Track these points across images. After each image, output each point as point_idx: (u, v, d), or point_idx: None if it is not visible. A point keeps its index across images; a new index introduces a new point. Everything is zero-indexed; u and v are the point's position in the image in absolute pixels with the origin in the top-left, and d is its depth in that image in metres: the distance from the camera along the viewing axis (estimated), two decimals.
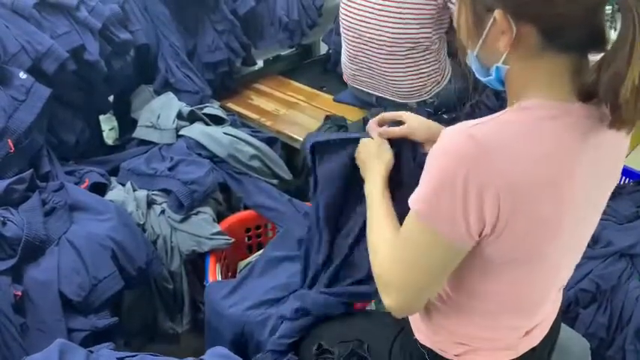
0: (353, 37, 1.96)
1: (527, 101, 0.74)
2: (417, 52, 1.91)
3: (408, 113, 1.15)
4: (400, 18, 1.83)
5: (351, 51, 2.01)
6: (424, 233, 0.77)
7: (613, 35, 0.71)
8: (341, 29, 2.03)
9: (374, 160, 1.09)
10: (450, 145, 0.72)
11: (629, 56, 0.66)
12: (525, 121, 0.73)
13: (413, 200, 0.78)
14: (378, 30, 1.87)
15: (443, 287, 0.90)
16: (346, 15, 1.96)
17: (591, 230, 0.88)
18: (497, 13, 0.72)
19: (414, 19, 1.83)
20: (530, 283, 0.84)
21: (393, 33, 1.86)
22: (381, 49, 1.90)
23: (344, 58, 2.10)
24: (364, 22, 1.90)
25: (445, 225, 0.74)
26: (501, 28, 0.73)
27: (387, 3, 1.82)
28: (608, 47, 0.71)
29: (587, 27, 0.71)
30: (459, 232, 0.74)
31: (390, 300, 0.84)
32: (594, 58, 0.74)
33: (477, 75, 0.84)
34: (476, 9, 0.77)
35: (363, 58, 1.98)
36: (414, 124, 1.12)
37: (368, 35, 1.90)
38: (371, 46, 1.92)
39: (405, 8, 1.81)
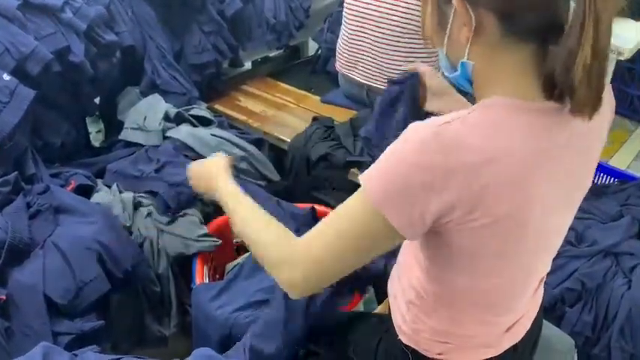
0: (354, 16, 2.00)
1: (492, 99, 0.74)
2: (418, 39, 1.93)
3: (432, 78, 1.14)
4: (406, 3, 1.87)
5: (352, 35, 2.04)
6: (369, 215, 0.75)
7: None
8: (344, 13, 2.06)
9: (212, 169, 1.07)
10: (415, 137, 0.71)
11: (579, 34, 0.66)
12: (489, 121, 0.72)
13: (366, 178, 0.75)
14: (382, 13, 1.92)
15: (421, 284, 0.90)
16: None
17: (565, 227, 0.88)
18: (456, 2, 0.73)
19: (418, 3, 1.85)
20: (505, 278, 0.84)
21: (396, 16, 1.90)
22: (381, 29, 1.94)
23: (340, 44, 2.11)
24: (369, 5, 1.95)
25: (398, 217, 0.73)
26: (462, 20, 0.74)
27: None
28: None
29: (545, 12, 0.70)
30: (409, 225, 0.73)
31: (287, 274, 0.82)
32: None
33: (445, 72, 0.84)
34: (437, 3, 0.78)
35: (363, 42, 2.01)
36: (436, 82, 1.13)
37: (371, 18, 1.95)
38: (371, 26, 1.96)
39: None
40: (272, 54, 2.66)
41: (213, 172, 1.07)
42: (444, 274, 0.85)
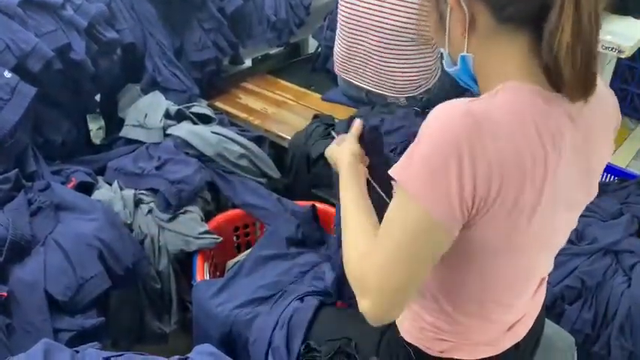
0: (351, 24, 1.98)
1: (509, 82, 0.74)
2: (416, 45, 1.92)
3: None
4: (406, 8, 1.85)
5: (347, 41, 2.02)
6: (413, 214, 0.71)
7: None
8: (339, 18, 2.04)
9: (346, 154, 1.03)
10: (446, 118, 0.69)
11: (559, 14, 0.67)
12: (513, 103, 0.72)
13: (400, 172, 0.72)
14: (381, 19, 1.90)
15: (425, 284, 0.90)
16: (346, 2, 1.97)
17: (569, 227, 0.89)
18: None
19: (419, 10, 1.84)
20: (507, 276, 0.84)
21: (396, 22, 1.88)
22: (380, 38, 1.92)
23: (337, 49, 2.11)
24: (367, 10, 1.92)
25: (439, 204, 0.70)
26: (458, 15, 0.75)
27: None
28: None
29: (534, 1, 0.70)
30: (452, 213, 0.71)
31: (365, 302, 0.77)
32: None
33: (446, 67, 0.85)
34: (436, 3, 0.79)
35: (359, 49, 1.99)
36: None
37: (369, 23, 1.93)
38: (370, 35, 1.94)
39: None
40: (272, 51, 2.66)
41: (340, 158, 1.04)
42: (446, 273, 0.85)
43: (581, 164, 0.80)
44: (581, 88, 0.71)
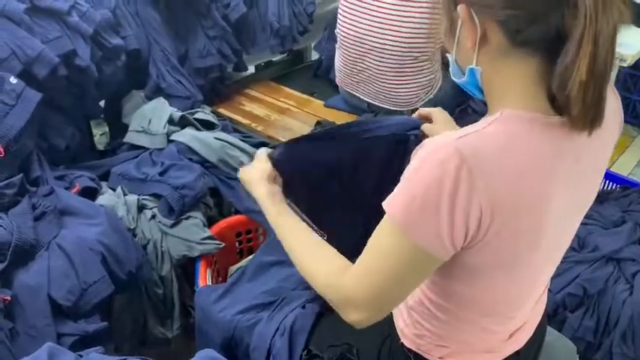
0: (352, 44, 1.96)
1: (505, 111, 0.74)
2: (419, 62, 1.92)
3: (439, 112, 1.14)
4: (409, 28, 1.84)
5: (348, 59, 2.01)
6: (401, 245, 0.74)
7: None
8: (338, 37, 2.03)
9: (260, 182, 1.04)
10: (436, 158, 0.70)
11: (576, 50, 0.65)
12: (504, 135, 0.72)
13: (390, 206, 0.75)
14: (384, 41, 1.88)
15: (423, 292, 0.90)
16: (346, 23, 1.96)
17: (570, 239, 0.89)
18: (461, 9, 0.73)
19: (425, 30, 1.84)
20: (509, 289, 0.85)
21: (398, 43, 1.86)
22: (382, 59, 1.91)
23: (338, 65, 2.11)
24: (368, 32, 1.90)
25: (427, 239, 0.72)
26: (469, 28, 0.74)
27: (395, 13, 1.82)
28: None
29: (549, 24, 0.69)
30: (441, 246, 0.73)
31: (355, 315, 0.82)
32: None
33: (453, 77, 0.84)
34: (449, 9, 0.78)
35: (361, 66, 1.99)
36: (440, 125, 1.11)
37: (371, 45, 1.91)
38: (372, 55, 1.93)
39: (415, 20, 1.82)
40: (275, 58, 2.67)
41: (252, 179, 1.06)
42: (448, 285, 0.86)
43: (586, 177, 0.81)
44: (589, 123, 0.70)
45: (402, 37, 1.86)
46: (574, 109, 0.68)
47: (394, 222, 0.74)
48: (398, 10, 1.83)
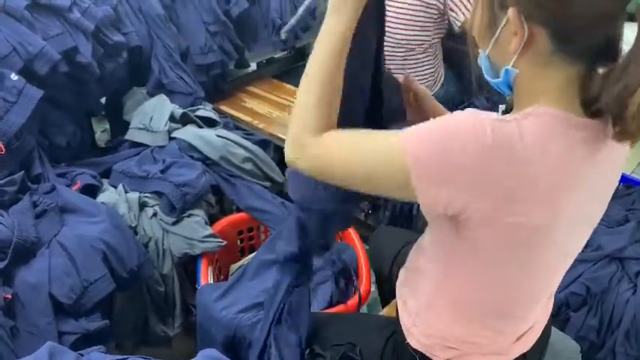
0: None
1: (542, 108, 0.73)
2: (415, 54, 1.94)
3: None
4: (404, 20, 1.87)
5: None
6: (395, 162, 0.72)
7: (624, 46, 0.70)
8: None
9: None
10: (472, 122, 0.69)
11: (636, 68, 0.64)
12: (540, 128, 0.71)
13: (408, 136, 0.72)
14: (389, 32, 1.89)
15: (433, 292, 0.90)
16: None
17: (584, 240, 0.89)
18: (511, 12, 0.71)
19: (416, 21, 1.86)
20: (521, 287, 0.84)
21: (394, 34, 1.89)
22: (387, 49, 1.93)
23: None
24: None
25: (425, 189, 0.71)
26: (514, 29, 0.72)
27: (389, 4, 1.84)
28: (620, 60, 0.69)
29: (600, 35, 0.69)
30: (432, 201, 0.72)
31: (302, 161, 0.82)
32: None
33: (486, 75, 0.82)
34: (491, 6, 0.76)
35: None
36: (428, 98, 1.08)
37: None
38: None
39: (409, 11, 1.86)
40: (277, 55, 2.66)
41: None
42: (460, 283, 0.85)
43: (605, 181, 0.81)
44: (636, 136, 0.69)
45: (396, 28, 1.89)
46: (629, 126, 0.67)
47: (404, 152, 0.72)
48: (394, 1, 1.87)
